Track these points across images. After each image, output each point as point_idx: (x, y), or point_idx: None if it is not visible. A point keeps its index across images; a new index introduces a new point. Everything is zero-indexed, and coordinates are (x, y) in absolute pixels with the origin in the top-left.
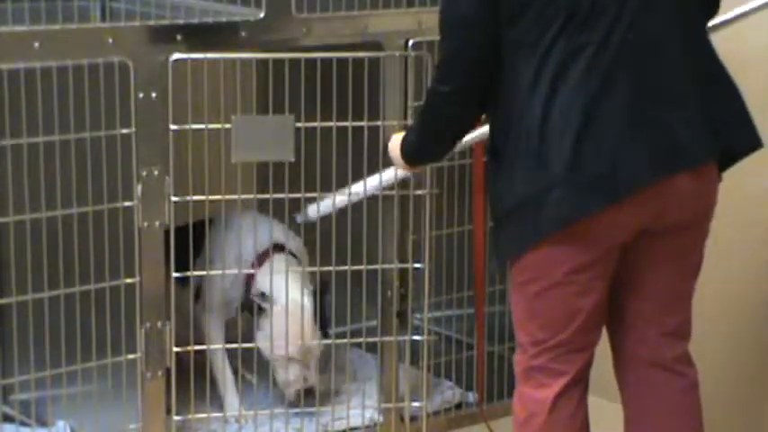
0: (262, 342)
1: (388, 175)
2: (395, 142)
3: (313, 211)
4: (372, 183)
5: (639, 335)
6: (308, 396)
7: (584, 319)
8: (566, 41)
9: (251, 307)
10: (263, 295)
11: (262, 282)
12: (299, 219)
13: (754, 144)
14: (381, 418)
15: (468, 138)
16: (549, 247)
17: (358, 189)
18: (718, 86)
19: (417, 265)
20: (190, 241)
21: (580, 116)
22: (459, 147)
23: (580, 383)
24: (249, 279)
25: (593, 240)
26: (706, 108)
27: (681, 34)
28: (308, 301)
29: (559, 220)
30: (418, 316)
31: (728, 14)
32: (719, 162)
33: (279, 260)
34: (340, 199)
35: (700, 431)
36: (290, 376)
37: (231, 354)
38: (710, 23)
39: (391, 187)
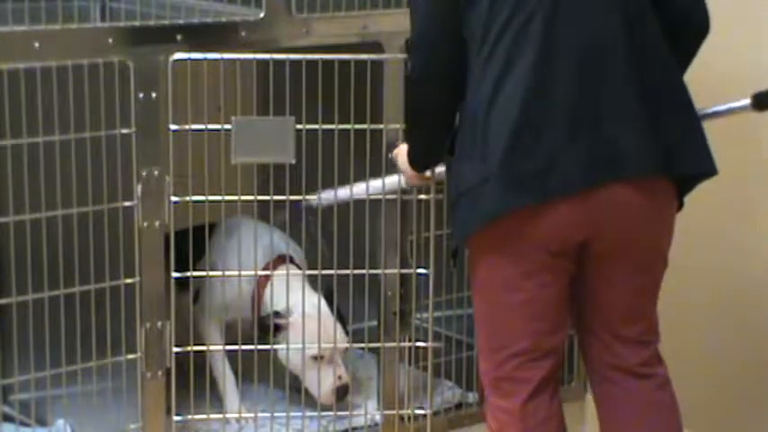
0: (284, 354)
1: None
2: (402, 151)
3: (327, 197)
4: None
5: (602, 342)
6: (342, 394)
7: (542, 325)
8: (511, 37)
9: (266, 326)
10: (276, 314)
11: (270, 300)
12: (315, 202)
13: (705, 170)
14: (383, 419)
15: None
16: (493, 251)
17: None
18: (672, 107)
19: (422, 271)
20: (190, 246)
21: (519, 113)
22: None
23: (548, 386)
24: (256, 295)
25: (530, 244)
26: (654, 126)
27: (631, 47)
28: (322, 301)
29: (487, 214)
30: (419, 316)
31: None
32: (678, 186)
33: (283, 271)
34: (353, 191)
35: (674, 427)
36: (323, 376)
37: (231, 355)
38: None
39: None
